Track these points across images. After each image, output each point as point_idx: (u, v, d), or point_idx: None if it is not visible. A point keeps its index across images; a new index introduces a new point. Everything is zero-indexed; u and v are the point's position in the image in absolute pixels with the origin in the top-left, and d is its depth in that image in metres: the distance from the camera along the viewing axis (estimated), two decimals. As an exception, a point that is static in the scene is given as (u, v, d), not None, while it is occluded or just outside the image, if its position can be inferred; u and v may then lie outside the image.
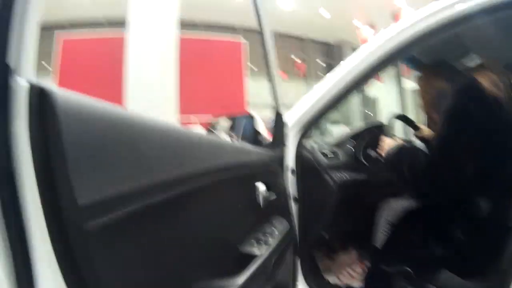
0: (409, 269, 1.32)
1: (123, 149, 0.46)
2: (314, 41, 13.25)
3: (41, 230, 0.36)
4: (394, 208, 1.57)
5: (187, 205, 0.63)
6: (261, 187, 1.00)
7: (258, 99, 6.12)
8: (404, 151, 1.44)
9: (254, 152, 1.14)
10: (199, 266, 0.65)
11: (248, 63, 7.24)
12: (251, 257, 0.80)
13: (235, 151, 1.00)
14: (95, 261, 0.39)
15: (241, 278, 0.68)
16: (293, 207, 1.49)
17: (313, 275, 1.61)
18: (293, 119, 1.50)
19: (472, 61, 1.85)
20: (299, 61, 13.11)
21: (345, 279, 1.81)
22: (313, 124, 1.54)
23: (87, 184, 0.39)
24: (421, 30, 1.31)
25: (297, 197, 1.50)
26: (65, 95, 0.39)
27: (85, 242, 0.38)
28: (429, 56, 1.85)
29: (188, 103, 5.49)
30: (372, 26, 10.78)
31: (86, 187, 0.38)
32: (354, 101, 12.45)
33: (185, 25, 6.47)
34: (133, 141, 0.49)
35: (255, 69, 9.21)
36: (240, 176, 0.92)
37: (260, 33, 1.25)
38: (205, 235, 0.69)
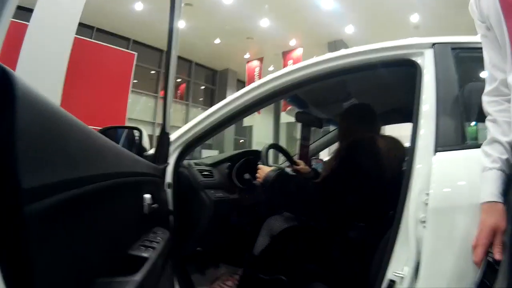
0: (283, 277, 1.45)
1: (59, 143, 0.52)
2: (200, 65, 13.55)
3: None
4: (275, 223, 1.68)
5: (101, 200, 0.71)
6: (147, 196, 1.07)
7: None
8: (282, 177, 1.54)
9: (143, 164, 1.21)
10: (96, 259, 0.71)
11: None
12: (141, 259, 0.87)
13: (133, 160, 1.07)
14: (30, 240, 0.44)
15: (139, 275, 0.77)
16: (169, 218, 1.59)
17: (185, 287, 1.65)
18: (173, 137, 1.63)
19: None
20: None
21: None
22: (192, 144, 1.66)
23: (30, 171, 0.43)
24: (306, 75, 1.45)
25: (172, 210, 1.57)
26: (22, 80, 0.42)
27: (24, 223, 0.42)
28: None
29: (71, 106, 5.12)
30: (259, 60, 11.50)
31: (29, 173, 0.42)
32: (229, 128, 12.89)
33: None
34: (67, 137, 0.55)
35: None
36: (133, 183, 1.00)
37: (167, 54, 1.33)
38: (99, 235, 0.74)
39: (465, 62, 1.24)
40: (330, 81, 1.57)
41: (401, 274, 1.03)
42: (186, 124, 1.66)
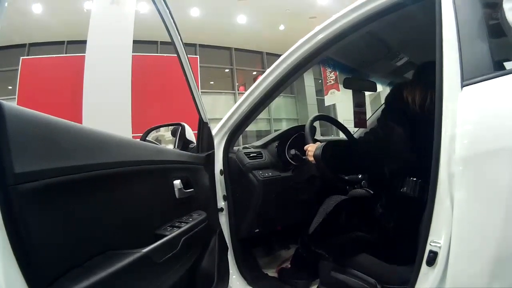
0: (324, 252, 1.47)
1: (50, 141, 0.69)
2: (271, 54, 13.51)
3: None
4: (330, 201, 1.64)
5: (112, 185, 0.85)
6: (176, 182, 1.15)
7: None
8: (329, 148, 1.48)
9: (172, 153, 1.30)
10: (116, 235, 0.84)
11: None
12: (162, 237, 0.97)
13: (155, 150, 1.16)
14: (25, 212, 0.61)
15: (146, 249, 0.86)
16: (224, 204, 1.66)
17: (249, 268, 1.73)
18: (218, 126, 1.69)
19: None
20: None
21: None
22: (237, 130, 1.71)
23: (22, 161, 0.61)
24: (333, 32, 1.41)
25: (226, 194, 1.66)
26: (9, 105, 0.62)
27: (18, 198, 0.60)
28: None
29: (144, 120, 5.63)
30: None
31: (20, 163, 0.61)
32: (312, 108, 12.79)
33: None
34: (59, 137, 0.72)
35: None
36: (157, 170, 1.10)
37: (176, 51, 1.33)
38: (124, 212, 0.89)
39: None
40: (362, 38, 1.48)
41: (438, 243, 0.90)
42: (229, 111, 1.70)
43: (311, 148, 1.55)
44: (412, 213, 1.16)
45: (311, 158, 1.53)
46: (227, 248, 1.59)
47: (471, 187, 0.84)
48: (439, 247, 0.90)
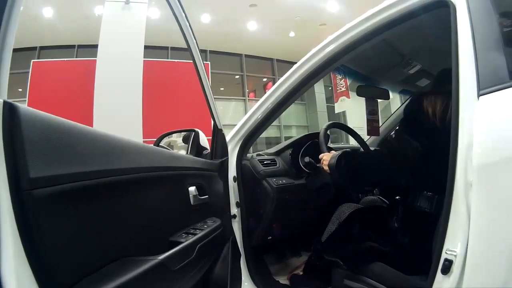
0: (339, 260, 1.46)
1: (66, 146, 0.68)
2: (281, 61, 13.55)
3: (6, 194, 0.56)
4: (344, 210, 1.63)
5: (127, 191, 0.85)
6: (191, 189, 1.16)
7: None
8: (344, 158, 1.47)
9: (187, 159, 1.31)
10: (131, 242, 0.84)
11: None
12: (177, 244, 0.98)
13: (170, 157, 1.18)
14: (40, 217, 0.60)
15: (162, 256, 0.86)
16: (237, 211, 1.66)
17: (261, 275, 1.73)
18: (232, 133, 1.70)
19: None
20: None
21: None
22: (250, 137, 1.72)
23: (37, 166, 0.60)
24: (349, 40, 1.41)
25: (239, 201, 1.66)
26: (25, 108, 0.61)
27: (33, 203, 0.59)
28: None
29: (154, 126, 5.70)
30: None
31: (35, 167, 0.60)
32: (322, 117, 12.77)
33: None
34: (74, 142, 0.71)
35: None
36: (172, 176, 1.10)
37: (192, 57, 1.34)
38: (139, 218, 0.89)
39: None
40: (375, 47, 1.48)
41: (454, 252, 0.89)
42: (242, 118, 1.71)
43: (326, 157, 1.54)
44: (429, 228, 1.15)
45: (325, 167, 1.51)
46: (240, 255, 1.59)
47: (488, 196, 0.84)
48: (455, 256, 0.89)
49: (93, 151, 0.75)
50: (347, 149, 1.59)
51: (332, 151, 1.57)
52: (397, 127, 1.47)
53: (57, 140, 0.66)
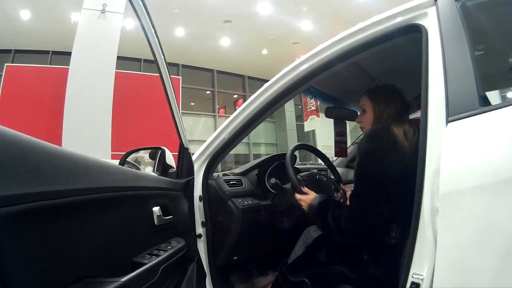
0: (307, 280, 1.42)
1: (29, 164, 0.65)
2: (253, 78, 13.64)
3: None
4: (311, 233, 1.63)
5: (90, 211, 0.82)
6: (155, 209, 1.12)
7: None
8: (324, 207, 1.41)
9: (152, 179, 1.26)
10: (93, 262, 0.81)
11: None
12: (140, 265, 0.94)
13: (134, 176, 1.13)
14: (1, 239, 0.58)
15: (125, 278, 0.82)
16: (202, 230, 1.61)
17: None
18: (199, 152, 1.66)
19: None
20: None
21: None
22: (218, 156, 1.68)
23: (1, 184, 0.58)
24: (317, 63, 1.40)
25: (204, 221, 1.61)
26: None
27: None
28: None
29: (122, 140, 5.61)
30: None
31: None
32: (292, 135, 12.91)
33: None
34: (38, 160, 0.68)
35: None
36: (136, 196, 1.06)
37: (158, 70, 1.28)
38: (102, 239, 0.85)
39: (472, 12, 1.08)
40: (346, 68, 1.49)
41: (421, 276, 0.89)
42: (209, 137, 1.67)
43: (305, 198, 1.50)
44: (399, 259, 1.12)
45: (304, 207, 1.48)
46: (205, 275, 1.54)
47: (453, 222, 0.84)
48: (422, 279, 0.89)
49: (57, 169, 0.72)
50: (325, 197, 1.49)
51: (312, 193, 1.51)
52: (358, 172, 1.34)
53: (21, 158, 0.64)
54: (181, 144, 1.47)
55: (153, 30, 1.18)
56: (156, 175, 1.53)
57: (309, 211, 1.45)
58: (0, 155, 0.59)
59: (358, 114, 1.61)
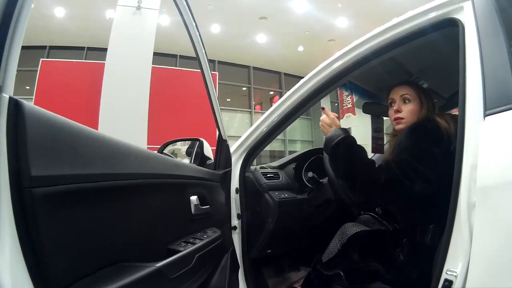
0: (342, 273, 1.41)
1: (69, 146, 0.68)
2: (289, 75, 13.57)
3: (6, 191, 0.56)
4: (348, 230, 1.61)
5: (128, 196, 0.84)
6: (193, 198, 1.16)
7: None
8: (350, 141, 1.37)
9: (190, 168, 1.30)
10: (129, 247, 0.83)
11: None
12: (175, 252, 0.97)
13: (173, 164, 1.16)
14: (39, 216, 0.60)
15: (160, 263, 0.85)
16: (237, 222, 1.64)
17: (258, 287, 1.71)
18: (236, 145, 1.70)
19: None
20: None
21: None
22: (255, 150, 1.71)
23: (39, 164, 0.60)
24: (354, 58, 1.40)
25: (240, 213, 1.64)
26: (30, 105, 0.61)
27: (33, 201, 0.59)
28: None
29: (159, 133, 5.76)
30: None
31: (37, 166, 0.59)
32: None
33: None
34: (78, 143, 0.70)
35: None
36: (174, 184, 1.10)
37: (200, 66, 1.33)
38: (138, 224, 0.88)
39: (508, 6, 1.04)
40: (383, 64, 1.48)
41: (455, 272, 0.88)
42: (247, 130, 1.71)
43: (326, 121, 1.46)
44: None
45: (324, 130, 1.45)
46: (239, 267, 1.57)
47: (491, 217, 0.82)
48: (455, 276, 0.88)
49: (96, 153, 0.75)
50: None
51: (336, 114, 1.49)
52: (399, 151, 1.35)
53: (61, 140, 0.66)
54: (220, 136, 1.51)
55: (195, 26, 1.22)
56: (194, 165, 1.58)
57: (329, 135, 1.40)
58: (40, 136, 0.61)
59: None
